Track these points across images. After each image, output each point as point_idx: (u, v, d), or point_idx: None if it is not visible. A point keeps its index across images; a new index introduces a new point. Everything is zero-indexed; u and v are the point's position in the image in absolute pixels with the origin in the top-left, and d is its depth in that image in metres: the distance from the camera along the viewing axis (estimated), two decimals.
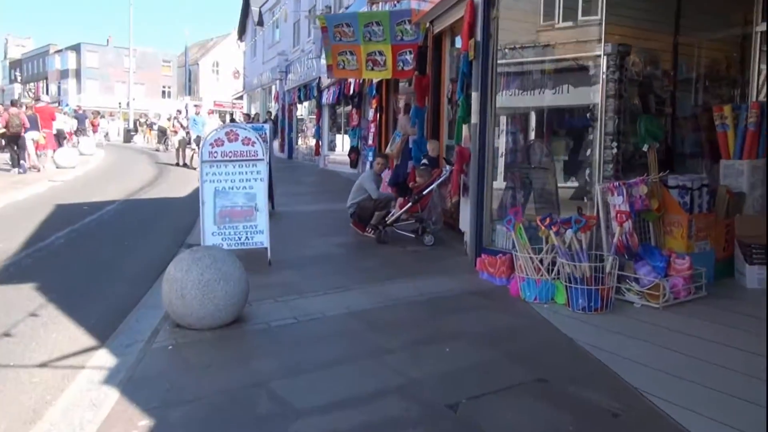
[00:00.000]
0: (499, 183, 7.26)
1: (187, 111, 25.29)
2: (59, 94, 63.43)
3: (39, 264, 6.99)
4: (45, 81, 67.48)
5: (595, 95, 6.07)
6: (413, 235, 8.16)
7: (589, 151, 6.24)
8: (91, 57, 63.16)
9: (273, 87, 29.40)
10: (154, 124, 37.64)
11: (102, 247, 8.00)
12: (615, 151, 5.88)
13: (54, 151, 18.77)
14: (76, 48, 63.27)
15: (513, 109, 7.16)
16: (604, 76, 5.86)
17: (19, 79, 71.25)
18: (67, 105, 43.71)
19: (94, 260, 7.32)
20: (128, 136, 38.39)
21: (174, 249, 7.79)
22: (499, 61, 6.73)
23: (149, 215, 10.74)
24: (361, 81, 15.45)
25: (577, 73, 6.61)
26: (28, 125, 15.74)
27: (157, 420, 3.31)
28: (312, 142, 22.96)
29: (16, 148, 15.98)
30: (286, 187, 13.56)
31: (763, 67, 7.13)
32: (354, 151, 17.37)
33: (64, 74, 64.12)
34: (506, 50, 6.84)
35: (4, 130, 15.61)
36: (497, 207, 6.99)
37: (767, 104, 6.37)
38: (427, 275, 6.49)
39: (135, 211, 11.11)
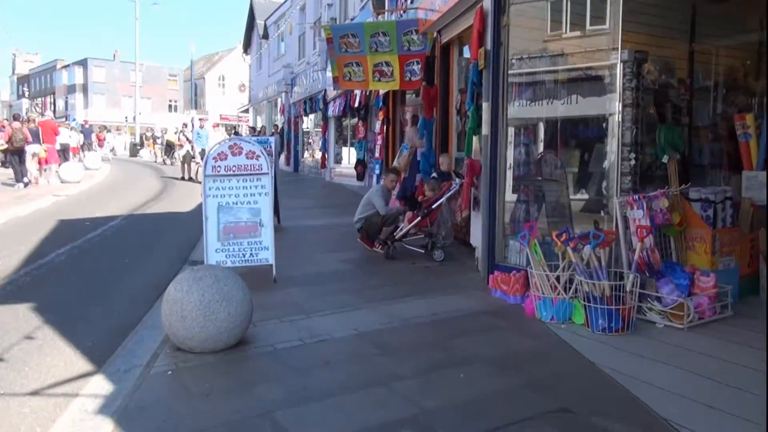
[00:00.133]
0: (509, 196, 7.04)
1: (193, 124, 25.22)
2: (66, 108, 63.71)
3: (38, 282, 6.79)
4: (52, 96, 67.84)
5: (612, 104, 5.85)
6: (422, 251, 7.93)
7: (605, 163, 6.01)
8: (97, 72, 63.45)
9: (279, 100, 29.32)
10: (158, 138, 37.71)
11: (103, 265, 7.80)
12: (633, 162, 5.64)
13: (59, 165, 18.67)
14: (83, 63, 63.60)
15: (524, 119, 6.94)
16: (621, 85, 5.63)
17: (26, 94, 71.63)
18: (74, 119, 43.75)
19: (95, 278, 7.11)
20: (134, 150, 38.42)
21: (177, 266, 7.60)
22: (510, 71, 6.52)
23: (152, 231, 10.54)
24: (367, 93, 15.28)
25: (591, 81, 6.39)
26: (30, 139, 15.66)
27: None
28: (318, 154, 22.81)
29: (19, 162, 15.88)
30: (292, 201, 13.36)
31: None
32: (360, 164, 17.19)
33: (71, 89, 64.44)
34: (517, 59, 6.63)
35: (7, 145, 15.52)
36: (509, 221, 6.74)
37: None
38: (438, 293, 6.26)
39: (138, 227, 10.92)
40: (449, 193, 7.80)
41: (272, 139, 9.81)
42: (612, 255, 5.32)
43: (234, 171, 6.60)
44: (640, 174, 5.81)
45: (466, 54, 9.01)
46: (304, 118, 25.70)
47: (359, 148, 17.54)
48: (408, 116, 12.73)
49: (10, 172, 16.98)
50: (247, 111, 40.78)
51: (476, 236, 7.24)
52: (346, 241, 9.32)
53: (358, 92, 15.91)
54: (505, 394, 3.87)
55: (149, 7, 67.57)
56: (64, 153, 21.87)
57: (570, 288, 5.29)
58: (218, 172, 6.58)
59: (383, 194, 8.13)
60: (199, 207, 6.56)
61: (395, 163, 10.74)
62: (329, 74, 17.37)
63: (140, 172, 24.77)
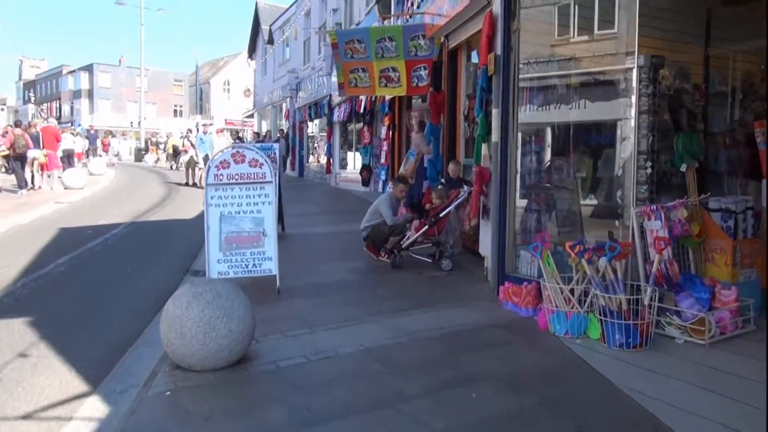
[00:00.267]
0: (519, 204, 6.84)
1: (198, 130, 25.12)
2: (72, 114, 63.83)
3: (35, 295, 6.62)
4: (58, 101, 67.99)
5: (626, 111, 5.66)
6: (430, 260, 7.73)
7: (619, 171, 5.81)
8: (103, 77, 63.58)
9: (284, 105, 29.21)
10: (160, 143, 37.71)
11: (103, 276, 7.62)
12: (649, 171, 5.45)
13: (62, 171, 18.58)
14: (89, 68, 63.74)
15: (535, 125, 6.75)
16: (637, 91, 5.44)
17: (32, 99, 71.79)
18: (79, 125, 43.79)
19: (94, 290, 6.93)
20: (139, 155, 38.36)
21: (179, 276, 7.45)
22: (520, 76, 6.33)
23: (155, 239, 10.38)
24: (373, 98, 15.10)
25: (604, 87, 6.20)
26: (32, 146, 15.62)
27: None
28: (323, 160, 22.66)
29: (22, 168, 15.81)
30: (296, 207, 13.20)
31: None
32: (366, 169, 17.01)
33: (76, 94, 64.56)
34: (527, 64, 6.44)
35: (8, 151, 15.43)
36: (520, 231, 6.54)
37: None
38: (447, 305, 6.06)
39: (140, 235, 10.76)
40: (457, 201, 7.60)
41: (276, 146, 9.67)
42: (629, 267, 5.12)
43: (237, 179, 6.43)
44: (656, 183, 5.62)
45: (474, 59, 8.83)
46: (309, 123, 25.57)
47: (364, 154, 17.37)
48: (414, 122, 12.55)
49: (13, 178, 16.89)
50: (252, 116, 40.70)
51: (485, 245, 7.04)
52: (352, 249, 9.13)
53: (363, 97, 15.74)
54: (519, 414, 3.68)
55: (154, 13, 67.83)
56: (68, 159, 21.82)
57: (585, 301, 5.09)
58: (221, 180, 6.41)
59: (392, 204, 7.93)
60: (203, 214, 6.39)
61: (402, 170, 10.56)
62: (334, 80, 17.28)
63: (144, 177, 24.65)
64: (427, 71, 9.75)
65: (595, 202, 6.90)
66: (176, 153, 28.92)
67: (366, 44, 9.78)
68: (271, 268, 6.43)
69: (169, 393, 3.99)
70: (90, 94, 63.49)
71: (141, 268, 8.01)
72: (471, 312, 5.82)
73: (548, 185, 7.02)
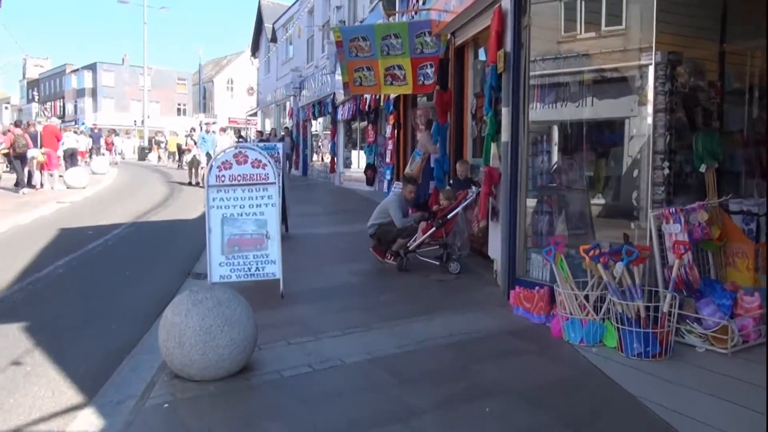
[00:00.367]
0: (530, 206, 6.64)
1: (201, 128, 24.98)
2: (75, 112, 63.79)
3: (31, 299, 6.44)
4: (62, 100, 67.94)
5: (642, 109, 5.46)
6: (437, 262, 7.53)
7: (635, 172, 5.60)
8: (107, 76, 63.49)
9: (287, 103, 29.03)
10: (161, 142, 37.62)
11: (102, 278, 7.44)
12: (666, 171, 5.24)
13: (65, 170, 18.46)
14: (92, 67, 63.65)
15: (546, 124, 6.54)
16: (654, 88, 5.23)
17: (36, 98, 71.78)
18: (83, 124, 43.71)
19: (93, 293, 6.75)
20: (143, 154, 38.25)
21: (180, 279, 7.27)
22: (531, 73, 6.12)
23: (156, 240, 10.20)
24: (377, 96, 14.90)
25: (618, 84, 5.99)
26: (32, 145, 15.53)
27: None
28: (327, 158, 22.48)
29: (22, 168, 15.71)
30: (300, 207, 13.00)
31: None
32: (370, 168, 16.83)
33: (80, 93, 64.50)
34: (536, 61, 6.24)
35: (8, 150, 15.29)
36: (531, 233, 6.34)
37: None
38: (456, 310, 5.86)
39: (141, 236, 10.58)
40: (466, 202, 7.40)
41: (280, 145, 9.48)
42: (646, 272, 4.91)
43: (239, 181, 6.24)
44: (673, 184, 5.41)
45: (482, 56, 8.63)
46: (313, 122, 25.40)
47: (369, 153, 17.19)
48: (420, 120, 12.35)
49: (15, 178, 16.77)
50: (255, 114, 40.54)
51: (495, 248, 6.85)
52: (356, 250, 8.96)
53: (368, 96, 15.54)
54: (536, 431, 3.49)
55: (157, 11, 67.72)
56: (71, 157, 21.69)
57: (600, 308, 4.89)
58: (222, 181, 6.23)
59: (401, 205, 7.72)
60: (205, 214, 6.21)
61: (408, 170, 10.35)
62: (339, 78, 17.07)
63: (147, 176, 24.50)
64: (433, 69, 9.53)
65: (607, 203, 6.70)
66: (180, 152, 28.78)
67: (371, 42, 9.57)
68: (274, 272, 6.25)
69: (167, 405, 3.81)
70: (93, 92, 63.41)
71: (141, 270, 7.83)
72: (481, 318, 5.63)
73: (559, 186, 6.83)
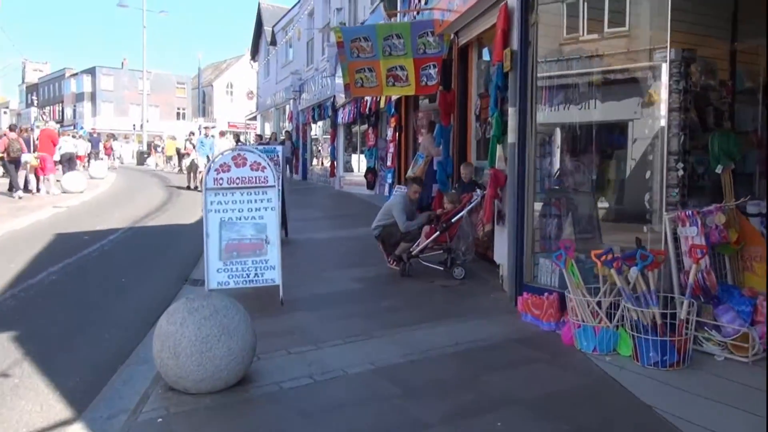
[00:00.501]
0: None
1: (200, 132, 24.79)
2: (74, 117, 63.61)
3: (23, 306, 6.23)
4: (61, 104, 67.78)
5: (655, 109, 5.27)
6: (441, 268, 7.32)
7: (647, 173, 5.41)
8: (106, 80, 63.30)
9: (287, 107, 28.84)
10: (159, 146, 37.47)
11: (97, 285, 7.22)
12: (681, 173, 5.05)
13: (64, 174, 18.28)
14: (92, 71, 63.47)
15: (554, 125, 6.36)
16: (668, 87, 5.05)
17: (35, 102, 71.63)
18: (81, 128, 43.55)
19: (86, 301, 6.54)
20: (141, 159, 38.05)
21: (177, 285, 7.08)
22: (539, 72, 5.93)
23: (153, 245, 9.99)
24: (378, 99, 14.71)
25: (630, 84, 5.81)
26: (26, 150, 15.37)
27: None
28: (327, 162, 22.29)
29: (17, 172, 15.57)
30: (300, 211, 12.81)
31: None
32: (371, 172, 16.64)
33: (79, 97, 64.33)
34: (546, 61, 6.06)
35: (2, 154, 15.10)
36: (539, 237, 6.15)
37: None
38: (462, 317, 5.67)
39: (138, 241, 10.37)
40: (470, 206, 7.21)
41: (279, 148, 9.29)
42: (661, 278, 4.72)
43: (237, 183, 6.06)
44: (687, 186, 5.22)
45: (486, 57, 8.46)
46: (313, 126, 25.22)
47: (369, 156, 17.00)
48: (422, 123, 12.17)
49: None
50: (255, 118, 40.37)
51: (501, 253, 6.65)
52: (357, 255, 8.79)
53: (369, 98, 15.34)
54: None
55: (157, 15, 67.82)
56: (69, 162, 21.49)
57: (613, 315, 4.70)
58: (220, 184, 6.04)
59: (405, 207, 7.51)
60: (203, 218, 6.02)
61: (410, 173, 10.17)
62: (339, 81, 16.87)
63: (146, 181, 24.29)
64: (436, 69, 9.35)
65: (616, 206, 6.51)
66: (180, 156, 28.58)
67: (373, 42, 9.38)
68: (274, 278, 6.06)
69: (161, 420, 3.62)
70: (92, 97, 63.22)
71: (137, 276, 7.63)
72: (488, 325, 5.43)
73: (565, 189, 6.65)
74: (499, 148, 6.60)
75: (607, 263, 4.65)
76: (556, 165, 6.28)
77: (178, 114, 65.70)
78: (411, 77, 9.58)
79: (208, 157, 17.17)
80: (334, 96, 19.47)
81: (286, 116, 29.18)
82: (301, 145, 25.88)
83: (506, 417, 3.62)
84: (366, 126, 17.46)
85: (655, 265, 4.54)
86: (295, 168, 25.79)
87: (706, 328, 4.52)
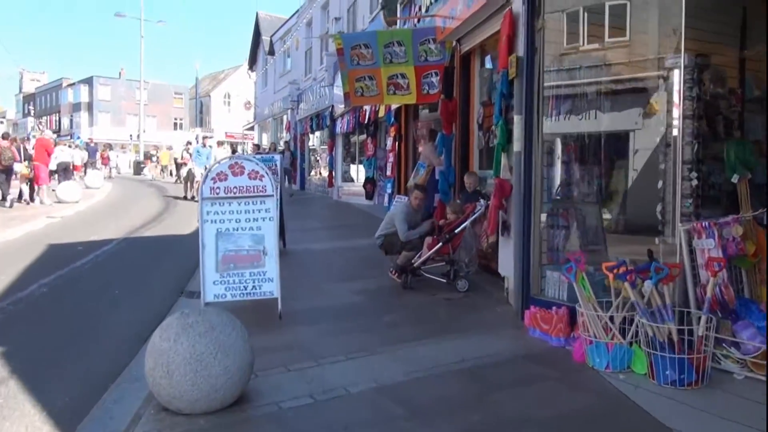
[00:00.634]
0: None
1: (198, 141, 24.62)
2: (71, 127, 63.40)
3: (11, 321, 6.01)
4: (58, 114, 67.58)
5: (667, 116, 5.11)
6: (444, 280, 7.12)
7: (659, 183, 5.24)
8: (103, 90, 63.16)
9: (284, 117, 28.72)
10: (153, 156, 37.35)
11: (89, 298, 6.99)
12: (695, 183, 4.88)
13: (59, 183, 18.07)
14: (89, 81, 63.34)
15: (561, 134, 6.20)
16: (681, 94, 4.88)
17: (32, 112, 71.44)
18: (78, 138, 43.38)
19: (77, 315, 6.30)
20: (138, 169, 37.88)
21: (172, 298, 6.89)
22: (545, 80, 5.77)
23: (148, 256, 9.77)
24: (377, 108, 14.55)
25: (640, 91, 5.65)
26: (19, 158, 15.18)
27: None
28: (325, 172, 22.12)
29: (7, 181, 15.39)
30: (298, 222, 12.61)
31: None
32: (369, 182, 16.45)
33: (76, 107, 64.14)
34: (554, 68, 5.90)
35: None
36: (546, 249, 5.96)
37: None
38: (467, 332, 5.47)
39: (133, 252, 10.16)
40: (474, 216, 7.02)
41: (278, 157, 9.10)
42: (676, 292, 4.53)
43: (235, 193, 5.87)
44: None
45: (488, 64, 8.31)
46: (311, 135, 25.07)
47: (368, 166, 16.82)
48: (421, 132, 12.00)
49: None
50: (252, 128, 40.23)
51: (506, 265, 6.46)
52: (357, 267, 8.60)
53: (367, 108, 15.18)
54: None
55: (154, 25, 67.80)
56: (65, 171, 21.28)
57: (626, 330, 4.51)
58: (217, 194, 5.85)
59: (406, 215, 7.32)
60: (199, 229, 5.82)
61: (411, 183, 9.98)
62: (337, 91, 16.72)
63: (142, 190, 24.10)
64: (438, 77, 9.18)
65: (625, 217, 6.34)
66: (178, 166, 28.40)
67: (373, 49, 9.21)
68: (272, 290, 5.86)
69: None
70: (90, 107, 63.05)
71: (131, 289, 7.40)
72: (494, 341, 5.23)
73: (573, 199, 6.48)
74: (504, 156, 6.42)
75: (621, 276, 4.46)
76: (562, 174, 6.10)
77: (175, 124, 65.55)
78: (412, 85, 9.42)
79: (206, 167, 16.99)
80: (333, 106, 19.33)
81: (284, 126, 29.04)
82: (299, 155, 25.73)
83: None
84: (365, 135, 17.31)
85: (670, 278, 4.36)
86: (293, 178, 25.62)
87: (724, 344, 4.33)
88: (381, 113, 14.73)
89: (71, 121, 64.87)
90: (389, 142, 14.00)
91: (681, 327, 4.20)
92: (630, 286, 4.40)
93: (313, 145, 25.47)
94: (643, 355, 4.33)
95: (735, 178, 4.92)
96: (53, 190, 17.43)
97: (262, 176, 5.88)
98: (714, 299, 4.35)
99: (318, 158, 24.86)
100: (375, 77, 9.48)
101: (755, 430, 3.50)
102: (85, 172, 26.15)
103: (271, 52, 29.75)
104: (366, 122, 16.34)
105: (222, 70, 67.61)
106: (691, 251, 4.61)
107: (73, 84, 65.64)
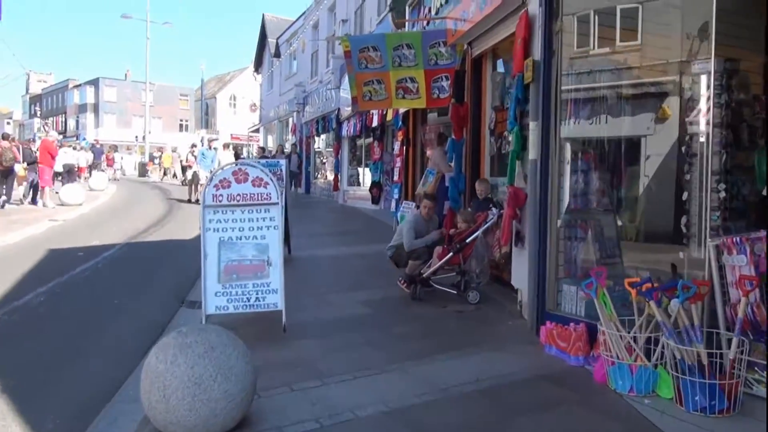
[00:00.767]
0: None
1: (203, 144, 24.44)
2: (77, 128, 63.43)
3: (4, 333, 5.76)
4: (64, 115, 67.64)
5: (694, 124, 4.86)
6: (455, 291, 6.86)
7: (684, 194, 4.97)
8: (109, 91, 63.18)
9: (290, 119, 28.52)
10: (156, 158, 37.26)
11: (87, 308, 6.74)
12: (723, 194, 4.62)
13: (63, 185, 17.89)
14: (95, 82, 63.38)
15: (579, 141, 5.94)
16: (710, 100, 4.63)
17: (38, 113, 71.52)
18: (83, 139, 43.26)
19: (74, 326, 6.05)
20: (143, 170, 37.75)
21: (173, 308, 6.67)
22: (563, 84, 5.52)
23: (150, 263, 9.54)
24: (384, 112, 14.31)
25: (663, 97, 5.40)
26: (19, 158, 15.01)
27: None
28: (330, 176, 21.90)
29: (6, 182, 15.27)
30: (303, 227, 12.37)
31: None
32: (375, 187, 16.22)
33: (82, 108, 64.19)
34: (572, 72, 5.65)
35: None
36: (563, 262, 5.71)
37: None
38: (480, 348, 5.22)
39: (135, 258, 9.92)
40: (486, 225, 6.77)
41: (283, 162, 8.87)
42: (704, 311, 4.27)
43: (238, 201, 5.63)
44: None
45: (500, 68, 8.06)
46: (316, 138, 24.86)
47: (374, 170, 16.58)
48: (429, 137, 11.75)
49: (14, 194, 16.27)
50: (257, 131, 40.08)
51: (519, 277, 6.21)
52: (364, 275, 8.37)
53: (375, 111, 14.93)
54: None
55: (161, 26, 67.63)
56: (69, 173, 21.13)
57: (651, 350, 4.25)
58: (220, 201, 5.62)
59: (415, 225, 7.09)
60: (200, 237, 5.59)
61: (420, 189, 9.74)
62: (343, 94, 16.49)
63: (146, 193, 23.92)
64: (448, 81, 8.92)
65: (646, 229, 6.07)
66: (183, 168, 28.25)
67: (382, 52, 8.96)
68: (276, 302, 5.62)
69: None
70: (95, 108, 63.08)
71: (131, 298, 7.16)
72: (510, 358, 4.98)
73: (590, 209, 6.21)
74: (518, 164, 6.18)
75: (646, 294, 4.21)
76: (583, 183, 5.83)
77: (180, 126, 65.52)
78: (422, 89, 9.16)
79: (210, 170, 16.80)
80: (339, 108, 19.11)
81: (290, 129, 28.85)
82: (305, 158, 25.53)
83: None
84: (371, 139, 17.08)
85: (698, 297, 4.10)
86: (299, 181, 25.41)
87: (756, 368, 4.06)
88: (389, 117, 14.49)
89: (77, 122, 64.92)
90: (397, 146, 13.76)
91: (711, 350, 3.94)
92: (655, 305, 4.14)
93: (319, 148, 25.26)
94: (669, 378, 4.08)
95: (766, 190, 4.66)
96: (56, 193, 17.24)
97: (267, 183, 5.65)
98: (746, 320, 4.08)
99: (324, 161, 24.66)
100: (383, 81, 9.23)
101: None
102: (90, 174, 26.01)
103: (277, 55, 29.57)
104: (373, 126, 16.11)
105: (228, 72, 67.60)
106: (720, 267, 4.35)
107: (80, 85, 65.72)
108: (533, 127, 5.61)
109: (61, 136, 39.67)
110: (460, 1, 7.97)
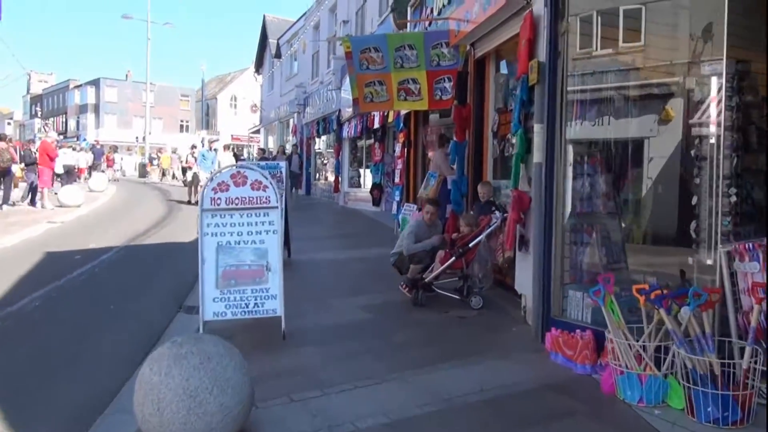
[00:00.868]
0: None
1: (203, 145, 24.37)
2: (78, 128, 63.40)
3: None
4: (64, 116, 67.59)
5: (703, 127, 4.74)
6: (457, 296, 6.75)
7: (693, 199, 4.85)
8: (110, 92, 63.13)
9: (291, 120, 28.41)
10: (154, 159, 37.23)
11: (83, 314, 6.61)
12: (735, 199, 4.50)
13: (62, 186, 17.79)
14: (96, 83, 63.33)
15: (584, 143, 5.82)
16: (721, 103, 4.51)
17: (39, 114, 71.46)
18: (84, 140, 43.20)
19: (68, 333, 5.92)
20: (143, 171, 37.67)
21: (171, 313, 6.54)
22: (569, 86, 5.40)
23: (148, 266, 9.42)
24: (386, 113, 14.19)
25: (672, 98, 5.28)
26: (17, 159, 14.92)
27: None
28: (331, 177, 21.78)
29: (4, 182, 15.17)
30: (303, 229, 12.24)
31: None
32: (376, 188, 16.11)
33: (83, 109, 64.15)
34: (578, 74, 5.53)
35: None
36: (569, 267, 5.58)
37: None
38: (483, 356, 5.09)
39: (133, 261, 9.80)
40: (489, 229, 6.65)
41: (283, 164, 8.74)
42: (715, 319, 4.15)
43: (237, 204, 5.52)
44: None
45: (504, 69, 7.94)
46: (317, 140, 24.75)
47: (375, 172, 16.47)
48: (431, 138, 11.62)
49: (13, 194, 16.16)
50: (258, 131, 39.99)
51: (523, 282, 6.09)
52: (364, 279, 8.24)
53: (376, 112, 14.81)
54: None
55: (161, 27, 67.57)
56: (68, 174, 21.04)
57: (663, 359, 4.13)
58: (218, 205, 5.51)
59: (417, 231, 6.98)
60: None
61: (422, 192, 9.61)
62: (344, 95, 16.38)
63: (146, 194, 23.81)
64: (451, 83, 8.80)
65: (653, 234, 5.95)
66: (183, 169, 28.18)
67: (384, 53, 8.84)
68: (275, 308, 5.50)
69: None
70: (96, 108, 63.02)
71: (128, 303, 7.04)
72: (514, 367, 4.86)
73: (595, 213, 6.09)
74: (522, 167, 6.06)
75: (656, 301, 4.09)
76: (589, 187, 5.71)
77: (181, 126, 65.48)
78: (424, 91, 9.04)
79: (211, 171, 16.70)
80: (340, 110, 19.00)
81: (290, 130, 28.74)
82: (305, 159, 25.42)
83: None
84: (372, 141, 16.97)
85: (709, 305, 3.99)
86: (299, 183, 25.30)
87: None
88: (390, 118, 14.37)
89: (78, 122, 64.88)
90: (398, 148, 13.64)
91: (723, 360, 3.82)
92: (665, 313, 4.02)
93: (320, 149, 25.16)
94: (679, 388, 3.96)
95: None
96: (55, 194, 17.13)
97: (266, 186, 5.53)
98: (759, 328, 3.95)
99: (325, 162, 24.55)
100: (385, 82, 9.11)
101: None
102: (89, 175, 25.92)
103: (278, 55, 29.47)
104: (374, 127, 15.99)
105: (228, 73, 67.55)
106: (732, 274, 4.23)
107: (80, 85, 65.69)
108: (538, 130, 5.49)
109: (60, 137, 39.58)
110: (463, 1, 7.86)
